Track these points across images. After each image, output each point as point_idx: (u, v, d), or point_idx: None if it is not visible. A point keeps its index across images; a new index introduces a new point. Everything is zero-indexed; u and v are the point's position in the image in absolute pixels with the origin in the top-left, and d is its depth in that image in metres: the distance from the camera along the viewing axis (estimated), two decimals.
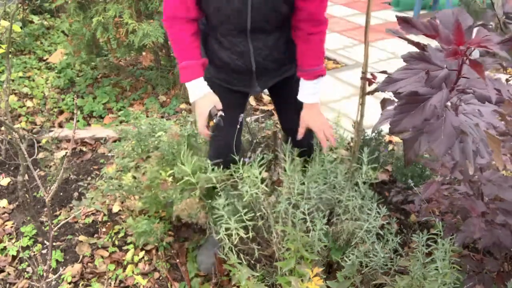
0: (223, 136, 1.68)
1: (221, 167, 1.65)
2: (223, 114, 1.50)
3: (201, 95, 1.50)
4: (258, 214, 1.58)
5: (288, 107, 1.74)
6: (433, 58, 0.75)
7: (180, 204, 1.63)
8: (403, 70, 0.76)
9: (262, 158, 1.55)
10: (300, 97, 1.60)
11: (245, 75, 1.58)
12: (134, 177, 1.90)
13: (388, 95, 1.85)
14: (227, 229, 1.48)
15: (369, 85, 1.93)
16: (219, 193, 1.55)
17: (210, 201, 1.66)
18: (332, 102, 3.39)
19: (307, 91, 1.58)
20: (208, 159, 1.74)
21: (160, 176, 1.76)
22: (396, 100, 1.83)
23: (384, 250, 1.49)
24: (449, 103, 0.77)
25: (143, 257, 1.97)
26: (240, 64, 1.54)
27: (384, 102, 1.79)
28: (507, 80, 1.59)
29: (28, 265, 1.96)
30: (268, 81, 1.66)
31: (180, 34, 1.47)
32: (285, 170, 1.63)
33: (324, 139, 1.58)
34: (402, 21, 0.78)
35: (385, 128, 2.56)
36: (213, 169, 1.61)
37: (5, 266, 1.97)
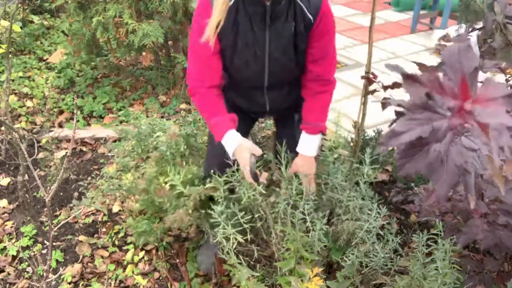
0: (222, 155, 1.64)
1: (216, 174, 1.62)
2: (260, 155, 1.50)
3: (236, 145, 1.49)
4: (256, 215, 1.58)
5: (287, 128, 1.82)
6: (436, 107, 0.73)
7: (172, 216, 1.61)
8: (406, 121, 0.74)
9: (261, 159, 1.55)
10: (300, 149, 1.63)
11: (259, 113, 1.78)
12: (134, 177, 1.90)
13: (388, 94, 1.85)
14: (224, 233, 1.48)
15: (370, 84, 1.93)
16: (214, 203, 1.53)
17: (203, 211, 1.64)
18: (332, 102, 3.39)
19: (307, 144, 1.62)
20: (203, 172, 1.76)
21: (157, 181, 1.75)
22: (396, 100, 1.82)
23: (384, 250, 1.49)
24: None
25: (143, 257, 1.97)
26: (256, 109, 1.72)
27: (384, 102, 1.79)
28: (506, 80, 1.59)
29: (28, 265, 1.96)
30: (279, 113, 1.82)
31: (205, 98, 1.54)
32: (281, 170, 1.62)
33: (307, 188, 1.58)
34: (406, 77, 0.76)
35: (385, 127, 2.55)
36: (205, 181, 1.62)
37: (5, 266, 1.97)
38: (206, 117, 1.55)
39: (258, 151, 1.48)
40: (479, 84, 0.73)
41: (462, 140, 0.73)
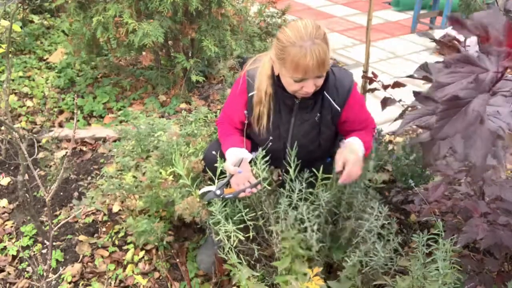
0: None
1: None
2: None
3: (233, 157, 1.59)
4: (259, 213, 1.57)
5: None
6: (478, 61, 0.73)
7: (182, 203, 1.63)
8: (449, 74, 0.73)
9: (265, 155, 1.55)
10: (348, 140, 1.62)
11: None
12: (135, 177, 1.90)
13: (388, 94, 1.84)
14: (226, 231, 1.48)
15: (370, 83, 1.93)
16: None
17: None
18: None
19: (355, 140, 1.61)
20: (204, 156, 1.77)
21: (160, 176, 1.76)
22: (396, 100, 1.83)
23: (384, 250, 1.48)
24: None
25: (143, 257, 1.97)
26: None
27: (385, 102, 1.79)
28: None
29: (28, 265, 1.96)
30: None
31: (227, 127, 1.73)
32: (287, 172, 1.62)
33: (345, 175, 1.51)
34: (454, 21, 0.75)
35: (385, 128, 2.54)
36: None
37: (5, 266, 1.97)
38: (223, 147, 1.66)
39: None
40: None
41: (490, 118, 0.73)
